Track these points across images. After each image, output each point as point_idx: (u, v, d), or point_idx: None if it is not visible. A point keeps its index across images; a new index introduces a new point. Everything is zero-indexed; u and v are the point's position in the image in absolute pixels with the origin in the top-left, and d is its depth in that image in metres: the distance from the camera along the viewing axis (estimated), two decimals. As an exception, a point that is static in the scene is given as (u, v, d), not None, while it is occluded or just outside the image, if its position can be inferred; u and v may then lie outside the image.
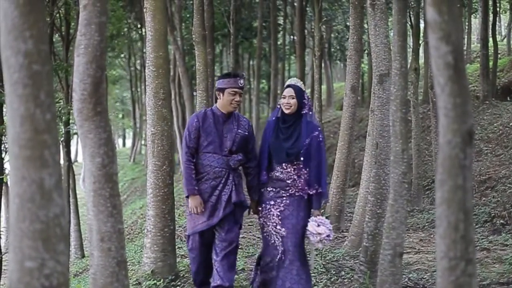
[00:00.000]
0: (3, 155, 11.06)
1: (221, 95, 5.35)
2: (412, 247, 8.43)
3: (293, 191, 5.25)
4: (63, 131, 13.15)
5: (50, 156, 1.89)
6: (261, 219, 5.39)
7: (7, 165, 10.83)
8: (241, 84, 5.35)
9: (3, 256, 10.82)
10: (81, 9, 3.36)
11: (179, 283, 6.19)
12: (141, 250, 7.60)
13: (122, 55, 33.40)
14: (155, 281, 6.09)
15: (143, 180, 23.61)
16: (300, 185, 5.24)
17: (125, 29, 25.62)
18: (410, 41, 17.72)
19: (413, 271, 6.77)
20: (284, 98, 5.28)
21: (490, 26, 18.01)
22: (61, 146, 13.27)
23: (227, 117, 5.41)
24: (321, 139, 5.28)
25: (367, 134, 8.03)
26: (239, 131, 5.40)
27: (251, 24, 25.61)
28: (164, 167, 6.27)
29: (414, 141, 12.32)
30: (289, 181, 5.25)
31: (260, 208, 5.40)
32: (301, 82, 5.46)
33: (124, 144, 61.13)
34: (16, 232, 1.87)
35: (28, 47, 1.86)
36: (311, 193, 5.23)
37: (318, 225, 5.11)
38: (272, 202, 5.29)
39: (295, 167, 5.24)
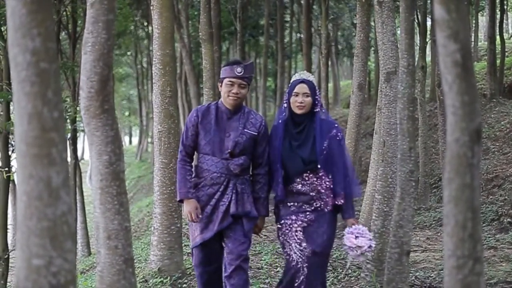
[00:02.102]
0: (10, 153, 11.10)
1: (220, 86, 4.57)
2: (419, 245, 8.42)
3: (318, 205, 4.45)
4: (70, 129, 13.18)
5: (57, 154, 1.89)
6: (281, 237, 4.57)
7: (14, 163, 10.86)
8: (238, 72, 4.44)
9: (10, 254, 10.86)
10: (89, 7, 3.37)
11: (185, 280, 6.20)
12: (148, 248, 7.62)
13: (129, 53, 33.47)
14: (161, 279, 6.11)
15: (150, 178, 23.66)
16: (326, 196, 4.44)
17: (132, 27, 25.65)
18: (417, 39, 17.67)
19: (420, 269, 6.76)
20: (297, 95, 4.46)
21: (498, 24, 17.95)
22: (68, 144, 13.30)
23: (232, 113, 4.55)
24: (340, 137, 4.50)
25: (374, 132, 8.01)
26: (246, 130, 4.52)
27: (257, 22, 25.61)
28: (171, 164, 6.28)
29: (421, 139, 12.31)
30: (313, 194, 4.43)
31: (279, 226, 4.58)
32: (313, 76, 4.70)
33: (130, 142, 61.26)
34: (24, 230, 1.87)
35: (35, 45, 1.86)
36: (338, 203, 4.44)
37: (356, 237, 4.30)
38: (293, 217, 4.47)
39: (318, 176, 4.43)
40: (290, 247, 4.47)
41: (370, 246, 4.31)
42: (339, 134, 4.50)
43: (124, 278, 3.62)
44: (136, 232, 14.42)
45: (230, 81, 4.47)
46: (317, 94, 4.55)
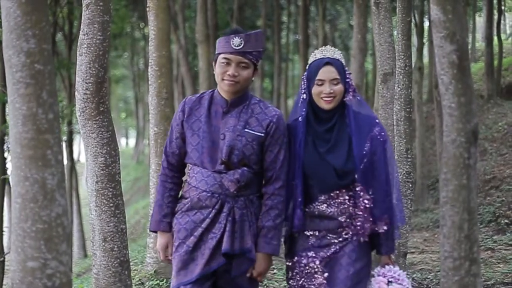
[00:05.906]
0: (5, 155, 11.08)
1: (215, 66, 3.13)
2: (416, 247, 8.42)
3: (348, 235, 3.08)
4: (65, 131, 13.17)
5: (52, 155, 1.88)
6: (291, 281, 3.20)
7: (9, 165, 10.84)
8: (235, 46, 2.99)
9: (5, 256, 10.84)
10: (84, 8, 3.37)
11: (182, 282, 6.18)
12: (144, 250, 7.60)
13: (125, 55, 33.45)
14: (158, 281, 6.09)
15: (147, 179, 23.62)
16: (363, 221, 3.05)
17: (128, 29, 25.65)
18: (414, 40, 17.70)
19: (417, 271, 6.76)
20: (322, 84, 3.06)
21: (495, 25, 17.97)
22: (64, 146, 13.30)
23: (230, 106, 3.11)
24: (384, 138, 3.14)
25: (371, 133, 8.00)
26: (247, 130, 3.06)
27: (254, 23, 25.60)
28: (168, 166, 6.26)
29: (418, 140, 12.33)
30: (342, 219, 3.06)
31: (289, 263, 3.22)
32: (339, 51, 3.21)
33: (127, 144, 61.25)
34: (19, 232, 1.87)
35: (30, 46, 1.86)
36: (380, 230, 3.07)
37: (389, 282, 3.02)
38: (311, 253, 3.11)
39: (351, 193, 3.08)
40: None
41: None
42: (382, 133, 3.15)
43: (120, 281, 3.61)
44: (132, 234, 14.40)
45: (225, 58, 3.04)
46: (348, 76, 3.15)
